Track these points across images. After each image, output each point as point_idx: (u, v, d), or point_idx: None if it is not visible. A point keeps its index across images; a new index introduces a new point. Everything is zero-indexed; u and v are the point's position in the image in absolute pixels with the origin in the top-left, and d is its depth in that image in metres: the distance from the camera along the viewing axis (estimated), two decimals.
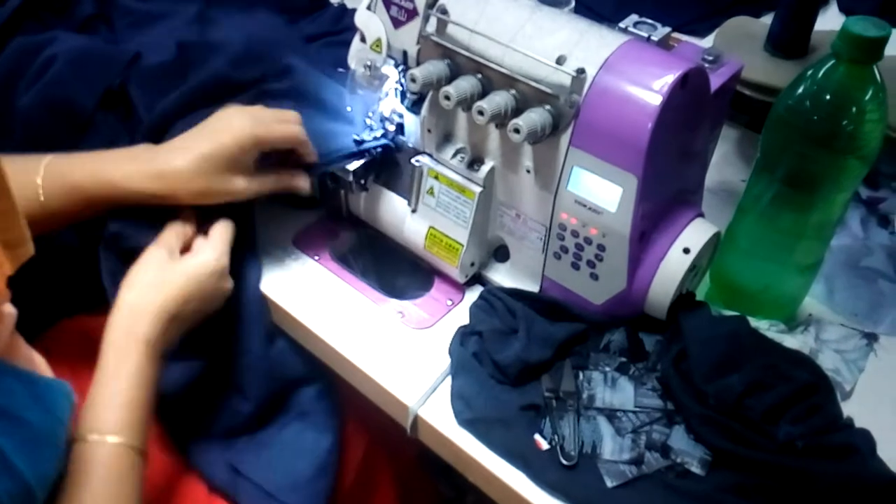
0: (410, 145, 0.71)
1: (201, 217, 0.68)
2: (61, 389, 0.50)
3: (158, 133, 0.77)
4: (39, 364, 0.52)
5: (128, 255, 0.66)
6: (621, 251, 0.60)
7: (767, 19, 0.87)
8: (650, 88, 0.55)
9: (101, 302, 0.86)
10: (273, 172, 0.68)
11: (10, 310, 0.46)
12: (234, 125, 0.64)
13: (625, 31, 0.64)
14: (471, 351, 0.63)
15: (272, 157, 0.68)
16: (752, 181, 0.64)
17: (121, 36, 0.91)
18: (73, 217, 0.66)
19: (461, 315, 0.69)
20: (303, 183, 0.69)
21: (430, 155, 0.69)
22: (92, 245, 0.83)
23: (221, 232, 0.67)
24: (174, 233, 0.66)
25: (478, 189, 0.66)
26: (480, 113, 0.58)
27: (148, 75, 0.83)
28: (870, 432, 0.57)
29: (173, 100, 0.79)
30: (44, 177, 0.63)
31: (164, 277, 0.62)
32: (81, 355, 0.79)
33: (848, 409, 0.60)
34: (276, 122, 0.66)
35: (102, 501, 0.54)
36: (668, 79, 0.54)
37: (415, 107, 0.68)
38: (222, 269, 0.65)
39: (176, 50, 0.85)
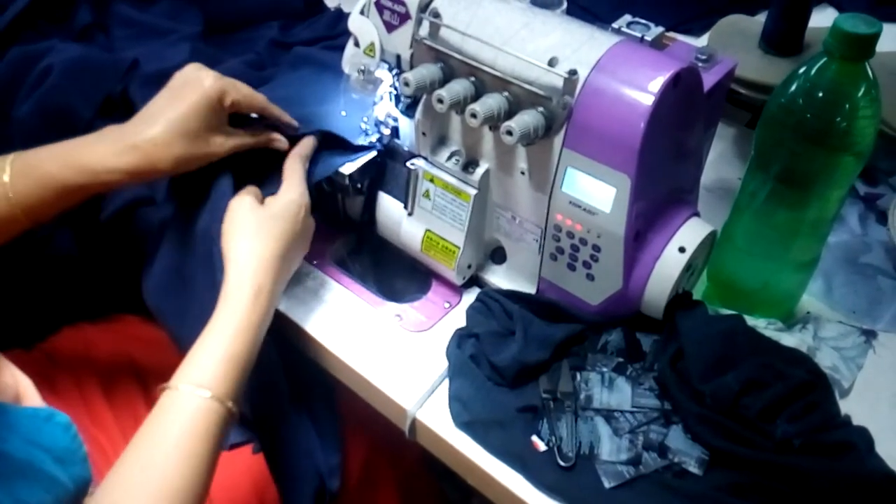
0: (405, 149, 0.71)
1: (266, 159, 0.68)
2: (41, 416, 0.49)
3: None
4: (25, 387, 0.51)
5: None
6: (616, 251, 0.60)
7: (762, 17, 0.87)
8: (642, 89, 0.55)
9: (102, 310, 0.87)
10: (250, 130, 0.68)
11: None
12: (200, 80, 0.63)
13: (618, 31, 0.64)
14: (468, 353, 0.64)
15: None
16: (747, 179, 0.64)
17: (118, 45, 0.91)
18: (47, 212, 0.64)
19: (459, 317, 0.69)
20: (280, 142, 0.69)
21: (425, 158, 0.69)
22: (91, 254, 0.84)
23: (296, 170, 0.67)
24: (251, 186, 0.66)
25: (473, 191, 0.66)
26: (473, 115, 0.58)
27: (152, 80, 0.84)
28: (867, 429, 0.57)
29: None
30: (11, 174, 0.62)
31: (261, 223, 0.62)
32: (83, 362, 0.80)
33: (847, 406, 0.60)
34: (241, 83, 0.66)
35: (178, 454, 0.52)
36: (660, 79, 0.54)
37: (409, 110, 0.68)
38: (308, 204, 0.66)
39: (188, 54, 0.86)
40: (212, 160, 0.65)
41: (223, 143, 0.65)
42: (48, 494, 0.48)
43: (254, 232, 0.62)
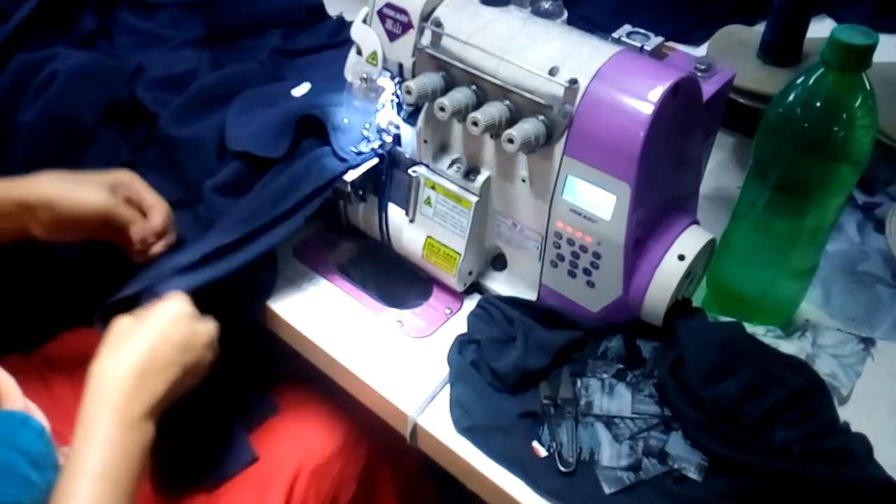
0: (407, 156, 0.72)
1: None
2: (17, 419, 0.49)
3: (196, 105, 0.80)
4: (8, 386, 0.51)
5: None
6: (617, 259, 0.60)
7: (761, 27, 0.88)
8: (642, 98, 0.55)
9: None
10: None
11: None
12: (92, 195, 0.67)
13: (618, 41, 0.64)
14: (469, 359, 0.64)
15: None
16: (746, 188, 0.64)
17: (122, 52, 0.92)
18: None
19: (460, 324, 0.69)
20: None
21: (426, 165, 0.69)
22: (93, 260, 0.84)
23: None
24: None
25: (474, 199, 0.66)
26: (475, 124, 0.58)
27: (158, 84, 0.85)
28: (865, 436, 0.57)
29: (217, 76, 0.83)
30: None
31: (125, 339, 0.60)
32: (80, 367, 0.80)
33: (845, 413, 0.61)
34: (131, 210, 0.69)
35: None
36: (660, 88, 0.55)
37: (411, 118, 0.69)
38: (188, 312, 0.62)
39: (195, 61, 0.87)
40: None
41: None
42: (25, 496, 0.48)
43: (112, 347, 0.59)
